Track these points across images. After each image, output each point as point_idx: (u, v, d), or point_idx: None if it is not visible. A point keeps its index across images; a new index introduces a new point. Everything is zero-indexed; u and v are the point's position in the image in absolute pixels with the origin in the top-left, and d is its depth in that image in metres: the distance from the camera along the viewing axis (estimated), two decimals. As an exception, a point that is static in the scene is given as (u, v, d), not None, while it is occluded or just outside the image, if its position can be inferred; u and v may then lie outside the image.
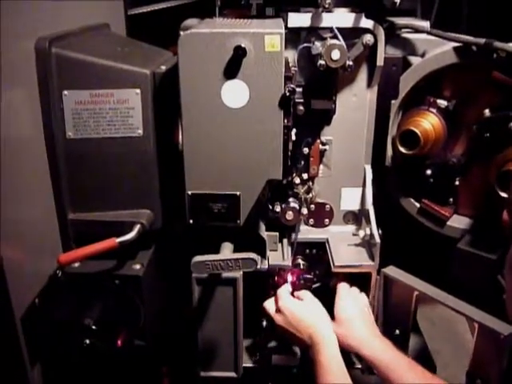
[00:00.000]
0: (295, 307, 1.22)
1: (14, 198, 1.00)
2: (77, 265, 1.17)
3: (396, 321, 1.33)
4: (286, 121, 1.10)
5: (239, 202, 1.16)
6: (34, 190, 1.10)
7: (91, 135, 1.13)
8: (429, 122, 1.26)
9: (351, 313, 1.22)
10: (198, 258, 1.12)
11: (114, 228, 1.15)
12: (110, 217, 1.17)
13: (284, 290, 1.28)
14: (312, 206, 1.37)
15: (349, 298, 1.26)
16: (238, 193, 1.15)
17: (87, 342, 1.06)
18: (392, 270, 1.29)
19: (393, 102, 1.30)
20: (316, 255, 1.40)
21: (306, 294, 1.27)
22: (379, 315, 1.34)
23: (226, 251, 1.18)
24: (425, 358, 1.36)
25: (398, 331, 1.33)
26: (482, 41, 1.16)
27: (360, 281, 1.32)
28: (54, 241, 1.17)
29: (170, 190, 1.21)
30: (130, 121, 1.13)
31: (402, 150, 1.27)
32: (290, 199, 1.32)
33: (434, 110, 1.26)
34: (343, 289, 1.29)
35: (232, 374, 1.33)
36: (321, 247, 1.39)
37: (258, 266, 1.17)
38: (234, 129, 1.10)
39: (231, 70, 1.05)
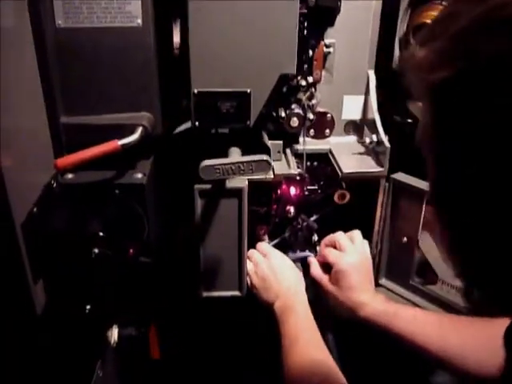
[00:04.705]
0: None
1: (5, 104, 0.86)
2: (71, 175, 1.05)
3: (404, 229, 1.31)
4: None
5: (249, 100, 1.07)
6: (24, 92, 0.96)
7: (84, 24, 1.00)
8: (441, 18, 1.20)
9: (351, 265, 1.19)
10: (206, 162, 1.03)
11: (112, 132, 1.03)
12: (107, 120, 1.06)
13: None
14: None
15: (350, 248, 1.22)
16: (248, 90, 1.06)
17: (96, 251, 0.96)
18: (401, 176, 1.26)
19: (402, -3, 1.23)
20: (317, 167, 1.34)
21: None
22: (386, 224, 1.32)
23: (236, 155, 1.10)
24: (428, 267, 1.35)
25: (405, 239, 1.31)
26: None
27: (366, 190, 1.28)
28: (46, 148, 1.04)
29: (169, 92, 1.11)
30: (127, 8, 1.00)
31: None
32: (293, 105, 1.25)
33: (446, 5, 1.21)
34: (343, 239, 1.24)
35: (236, 293, 1.28)
36: (322, 159, 1.33)
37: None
38: (245, 18, 1.01)
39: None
